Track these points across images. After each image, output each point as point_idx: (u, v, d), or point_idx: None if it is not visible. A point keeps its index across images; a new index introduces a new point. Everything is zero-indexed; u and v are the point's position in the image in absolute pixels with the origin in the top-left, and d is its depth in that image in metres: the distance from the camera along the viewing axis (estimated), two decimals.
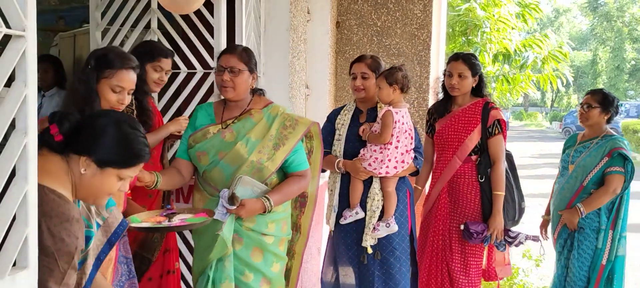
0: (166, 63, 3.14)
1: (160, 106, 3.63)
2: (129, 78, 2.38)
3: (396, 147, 3.28)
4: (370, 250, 3.34)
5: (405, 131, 3.32)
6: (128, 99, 2.41)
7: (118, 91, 2.35)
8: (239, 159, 2.66)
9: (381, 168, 3.27)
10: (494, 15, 8.64)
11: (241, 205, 2.58)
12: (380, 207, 3.34)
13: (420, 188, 3.82)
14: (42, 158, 1.63)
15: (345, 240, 3.45)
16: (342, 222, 3.39)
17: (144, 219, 2.35)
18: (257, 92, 2.86)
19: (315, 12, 5.18)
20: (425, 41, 5.46)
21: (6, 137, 1.49)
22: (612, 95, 3.88)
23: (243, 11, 3.63)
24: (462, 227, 3.55)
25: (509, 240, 3.58)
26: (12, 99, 1.48)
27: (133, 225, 2.27)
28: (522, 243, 3.64)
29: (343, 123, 3.46)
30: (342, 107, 3.59)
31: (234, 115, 2.78)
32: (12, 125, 1.51)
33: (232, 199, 2.56)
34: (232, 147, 2.68)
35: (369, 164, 3.28)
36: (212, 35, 3.61)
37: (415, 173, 3.52)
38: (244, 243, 2.70)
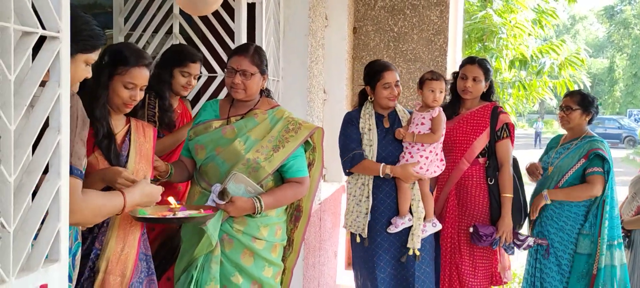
0: (194, 67, 3.18)
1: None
2: (142, 75, 2.37)
3: (441, 147, 3.43)
4: (418, 252, 3.38)
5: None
6: (140, 95, 2.40)
7: (130, 88, 2.34)
8: (235, 156, 2.61)
9: (432, 167, 3.37)
10: (510, 22, 8.64)
11: (231, 201, 2.52)
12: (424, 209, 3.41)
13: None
14: None
15: (382, 245, 3.45)
16: (393, 230, 3.38)
17: (150, 213, 2.38)
18: (264, 92, 2.82)
19: (333, 17, 5.23)
20: (442, 47, 5.48)
21: (40, 134, 1.54)
22: (591, 96, 3.82)
23: (263, 17, 3.67)
24: (471, 229, 3.55)
25: (518, 243, 3.57)
26: (46, 98, 1.53)
27: (139, 216, 2.30)
28: (530, 246, 3.64)
29: (370, 127, 3.44)
30: (358, 110, 3.54)
31: (239, 113, 2.74)
32: (46, 123, 1.57)
33: (222, 194, 2.52)
34: (230, 143, 2.63)
35: (421, 167, 3.33)
36: (233, 39, 3.66)
37: None
38: (234, 246, 2.64)
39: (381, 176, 3.36)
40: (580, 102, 3.75)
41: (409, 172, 3.31)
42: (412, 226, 3.37)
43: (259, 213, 2.62)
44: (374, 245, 3.45)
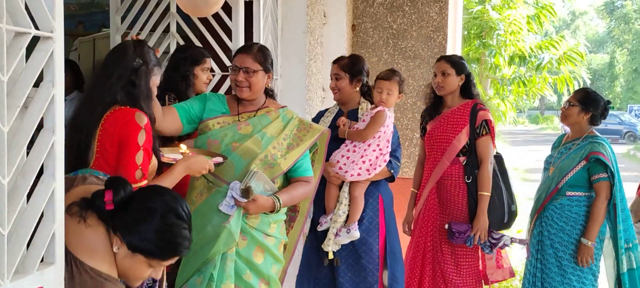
0: (209, 62, 3.32)
1: None
2: None
3: (373, 150, 3.25)
4: (331, 255, 3.28)
5: (387, 140, 3.30)
6: None
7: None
8: (252, 153, 2.62)
9: (352, 169, 3.22)
10: (507, 18, 8.65)
11: (252, 199, 2.54)
12: (347, 213, 3.28)
13: (416, 191, 3.83)
14: (90, 230, 1.66)
15: (314, 243, 3.42)
16: (319, 228, 3.34)
17: (164, 158, 2.39)
18: (270, 93, 2.85)
19: (331, 15, 5.21)
20: (441, 44, 5.46)
21: (34, 135, 1.53)
22: (596, 96, 3.74)
23: (261, 14, 3.67)
24: (446, 226, 3.54)
25: (493, 241, 3.53)
26: (40, 99, 1.52)
27: (165, 159, 2.33)
28: (507, 245, 3.57)
29: (325, 124, 3.40)
30: (327, 109, 3.56)
31: (248, 110, 2.75)
32: (40, 125, 1.55)
33: (246, 192, 2.52)
34: (246, 139, 2.65)
35: (340, 168, 3.23)
36: (230, 38, 3.66)
37: (391, 179, 3.45)
38: (248, 242, 2.65)
39: None
40: (581, 99, 3.71)
41: (327, 171, 3.24)
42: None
43: (277, 212, 2.65)
44: (308, 244, 3.46)
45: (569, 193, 3.68)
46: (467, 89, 3.63)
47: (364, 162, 3.23)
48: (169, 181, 2.24)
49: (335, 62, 3.45)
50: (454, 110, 3.62)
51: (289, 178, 2.79)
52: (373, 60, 5.53)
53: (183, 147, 2.49)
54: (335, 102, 3.54)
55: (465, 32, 8.94)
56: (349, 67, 3.38)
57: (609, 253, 3.69)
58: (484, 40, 9.02)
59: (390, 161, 3.35)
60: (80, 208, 1.68)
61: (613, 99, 39.76)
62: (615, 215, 3.60)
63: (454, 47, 6.00)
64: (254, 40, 3.63)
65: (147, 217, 1.67)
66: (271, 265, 2.72)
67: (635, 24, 39.11)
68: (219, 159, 2.50)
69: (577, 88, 8.79)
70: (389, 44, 5.53)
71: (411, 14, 5.49)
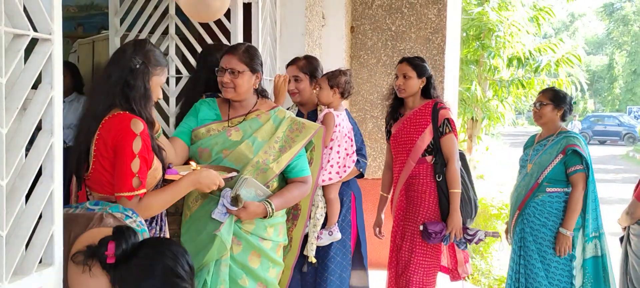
0: None
1: (177, 111, 3.67)
2: None
3: (337, 152, 3.27)
4: (314, 260, 3.26)
5: (345, 135, 3.30)
6: None
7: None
8: (243, 159, 2.60)
9: (322, 174, 3.22)
10: (507, 19, 8.66)
11: (243, 207, 2.53)
12: (324, 215, 3.28)
13: (385, 195, 3.87)
14: (93, 280, 1.65)
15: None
16: None
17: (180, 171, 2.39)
18: (262, 93, 2.81)
19: (330, 17, 5.22)
20: (440, 45, 5.48)
21: (33, 137, 1.53)
22: (563, 92, 3.91)
23: (259, 16, 3.67)
24: (421, 227, 3.56)
25: (468, 237, 3.58)
26: (38, 101, 1.52)
27: (168, 176, 2.30)
28: (481, 240, 3.64)
29: None
30: (290, 108, 3.53)
31: (239, 113, 2.72)
32: (39, 126, 1.56)
33: (235, 200, 2.51)
34: (237, 145, 2.62)
35: None
36: (229, 40, 3.65)
37: (360, 176, 3.48)
38: (243, 247, 2.64)
39: None
40: (551, 97, 3.84)
41: None
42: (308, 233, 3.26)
43: (270, 216, 2.62)
44: None
45: (548, 189, 3.78)
46: (427, 91, 3.67)
47: (332, 165, 3.26)
48: (172, 194, 2.21)
49: (291, 64, 3.42)
50: (416, 111, 3.65)
51: (286, 179, 2.78)
52: (372, 62, 5.54)
53: (193, 164, 2.49)
54: (293, 104, 3.52)
55: (464, 34, 8.96)
56: (308, 68, 3.38)
57: (579, 241, 3.79)
58: (482, 42, 9.03)
59: (358, 160, 3.39)
60: (85, 257, 1.67)
61: (612, 101, 39.84)
62: (585, 205, 3.71)
63: (452, 48, 6.01)
64: (252, 42, 3.62)
65: (147, 275, 1.66)
66: (269, 269, 2.71)
67: (634, 25, 39.14)
68: (233, 174, 2.49)
69: (574, 91, 8.81)
70: (387, 45, 5.54)
71: (410, 15, 5.50)
